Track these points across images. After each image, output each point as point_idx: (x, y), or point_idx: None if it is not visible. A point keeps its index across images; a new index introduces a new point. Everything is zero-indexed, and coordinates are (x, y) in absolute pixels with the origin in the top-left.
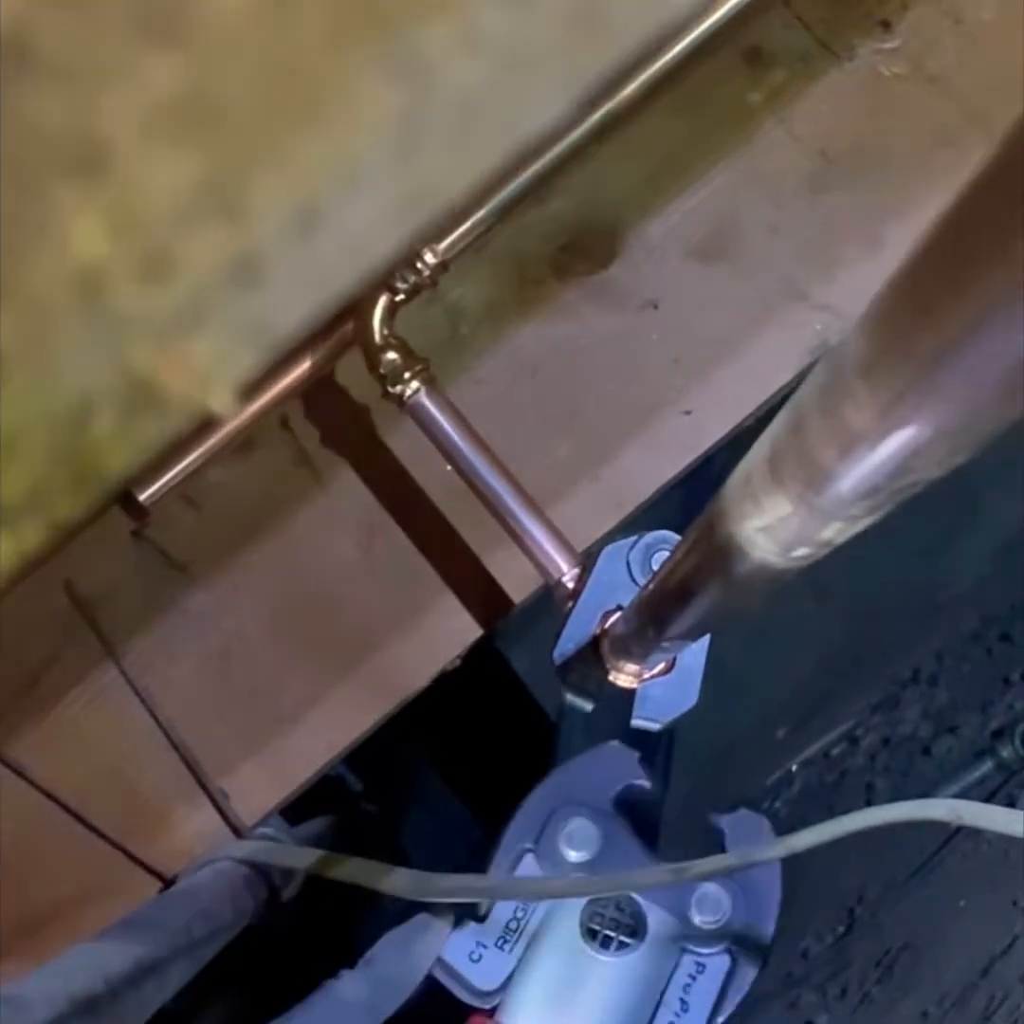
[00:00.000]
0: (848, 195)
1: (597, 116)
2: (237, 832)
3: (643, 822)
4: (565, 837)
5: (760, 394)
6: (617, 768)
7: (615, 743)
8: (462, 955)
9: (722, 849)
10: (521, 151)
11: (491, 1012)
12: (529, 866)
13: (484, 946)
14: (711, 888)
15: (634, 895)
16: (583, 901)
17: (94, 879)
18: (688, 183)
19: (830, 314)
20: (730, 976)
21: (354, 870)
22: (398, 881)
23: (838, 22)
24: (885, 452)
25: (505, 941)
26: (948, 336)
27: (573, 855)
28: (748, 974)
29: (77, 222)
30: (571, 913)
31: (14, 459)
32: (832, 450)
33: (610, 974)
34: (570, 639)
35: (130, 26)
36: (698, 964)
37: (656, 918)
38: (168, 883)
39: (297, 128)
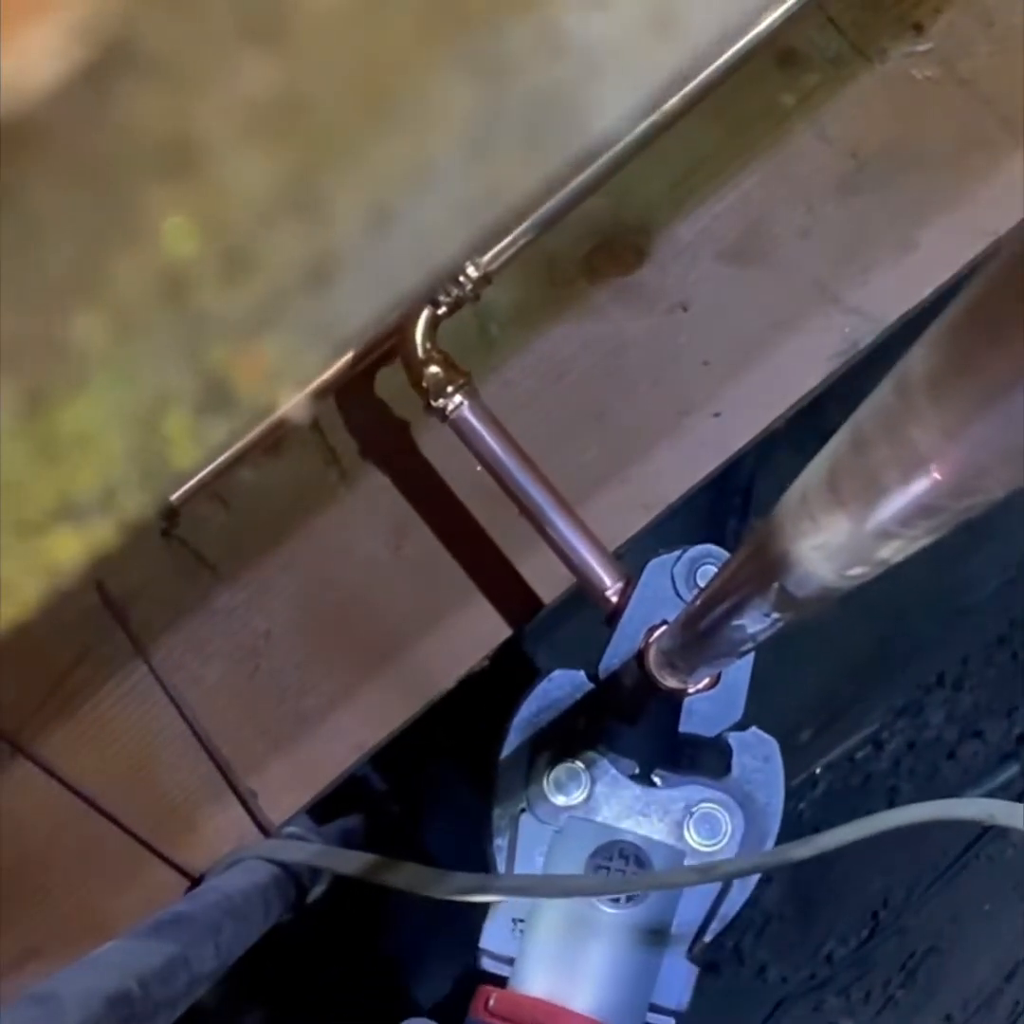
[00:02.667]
0: (879, 198)
1: (641, 129)
2: (265, 831)
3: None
4: (552, 785)
5: (789, 396)
6: (569, 690)
7: (558, 671)
8: (503, 937)
9: (728, 767)
10: (587, 152)
11: (503, 981)
12: (529, 826)
13: (521, 919)
14: (709, 810)
15: (633, 838)
16: (585, 856)
17: (123, 877)
18: (719, 185)
19: (860, 317)
20: (721, 897)
21: (390, 873)
22: (423, 880)
23: (870, 25)
24: (950, 473)
25: None
26: (1020, 359)
27: (562, 800)
28: (742, 891)
29: (167, 222)
30: (575, 869)
31: (90, 457)
32: (895, 470)
33: (618, 927)
34: (615, 654)
35: (231, 27)
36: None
37: (661, 857)
38: (196, 881)
39: (378, 128)
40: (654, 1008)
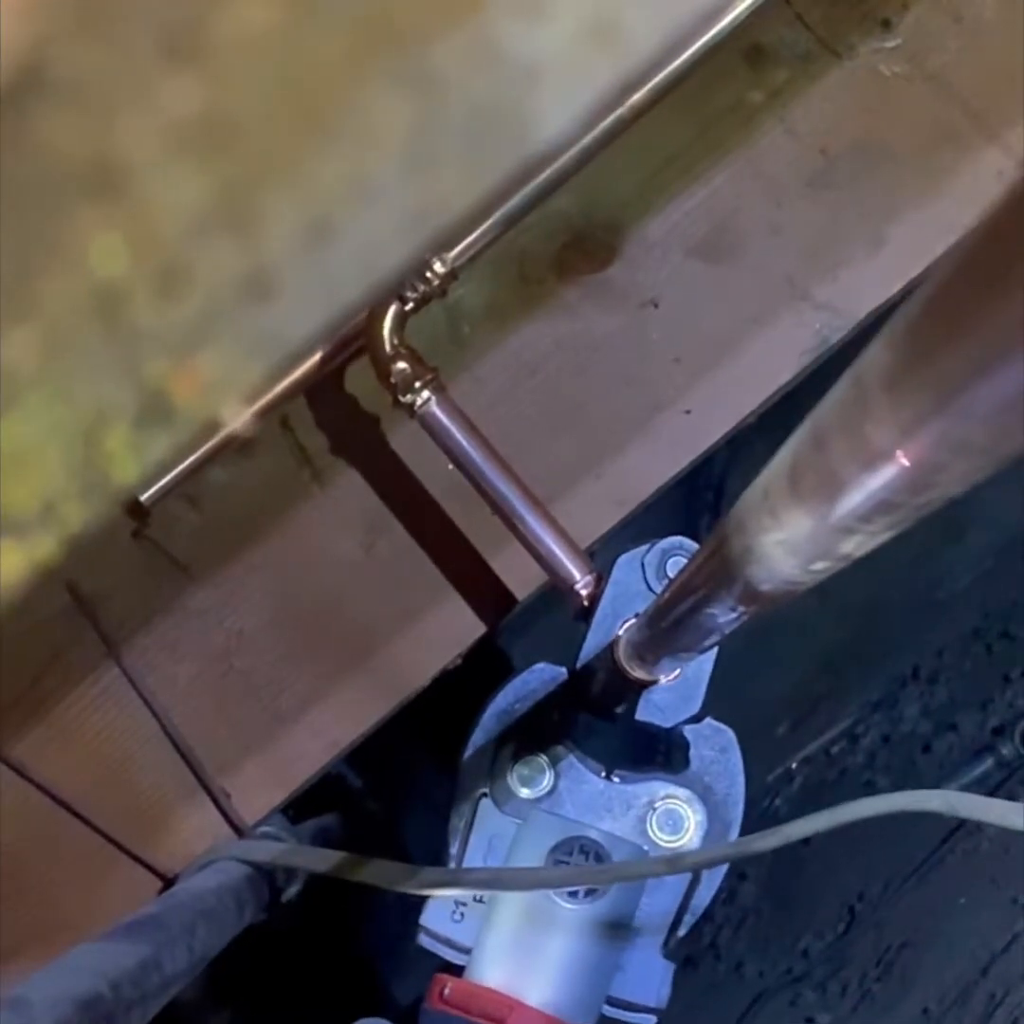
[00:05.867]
0: (848, 194)
1: (606, 123)
2: (238, 831)
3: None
4: (516, 778)
5: (760, 393)
6: (546, 683)
7: (541, 664)
8: (443, 918)
9: (686, 761)
10: (532, 160)
11: (459, 970)
12: (487, 812)
13: (463, 904)
14: (671, 805)
15: (595, 834)
16: (546, 850)
17: (96, 879)
18: (689, 182)
19: (830, 313)
20: (690, 890)
21: (359, 869)
22: (393, 875)
23: (839, 21)
24: (906, 469)
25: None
26: (976, 356)
27: (526, 793)
28: (711, 884)
29: (95, 241)
30: (534, 863)
31: (28, 472)
32: (853, 466)
33: (577, 922)
34: (590, 651)
35: (150, 49)
36: (657, 881)
37: (622, 853)
38: (169, 882)
39: (311, 144)
40: (633, 1007)
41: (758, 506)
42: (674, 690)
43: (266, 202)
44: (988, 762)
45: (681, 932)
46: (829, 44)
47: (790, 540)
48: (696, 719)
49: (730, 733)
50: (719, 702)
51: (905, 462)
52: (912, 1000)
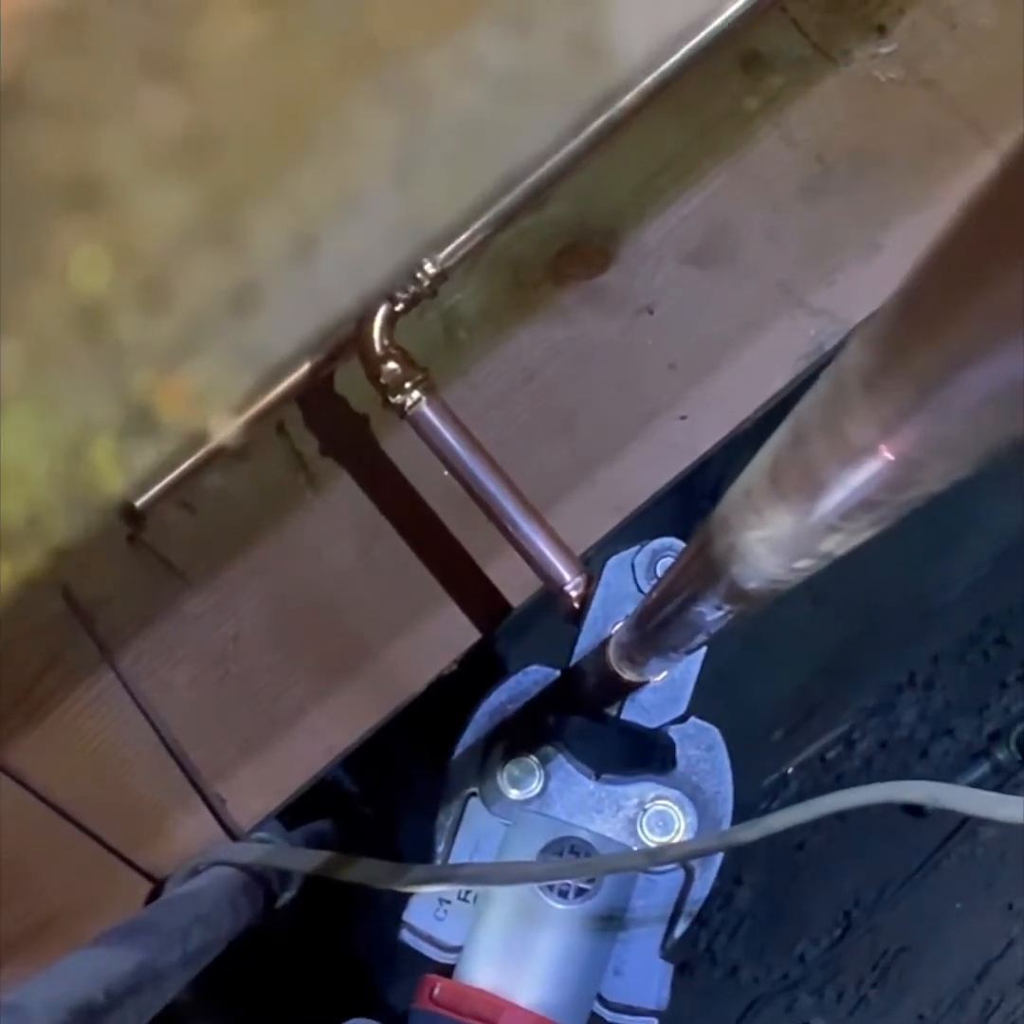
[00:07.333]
0: (844, 200)
1: (596, 125)
2: (233, 836)
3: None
4: (506, 778)
5: (756, 399)
6: (538, 684)
7: (534, 666)
8: (427, 915)
9: (674, 761)
10: (518, 170)
11: (448, 970)
12: (475, 811)
13: (447, 901)
14: (661, 807)
15: (585, 835)
16: (536, 851)
17: (91, 884)
18: (685, 188)
19: (826, 319)
20: (685, 890)
21: (347, 869)
22: (381, 873)
23: (834, 27)
24: (887, 467)
25: (467, 892)
26: (954, 353)
27: (515, 794)
28: (705, 883)
29: (78, 254)
30: None
31: (14, 486)
32: (833, 464)
33: (567, 922)
34: (581, 653)
35: (132, 65)
36: (650, 882)
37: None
38: (158, 884)
39: (296, 158)
40: (634, 1010)
41: (741, 504)
42: (660, 691)
43: (251, 215)
44: (985, 767)
45: (677, 933)
46: (825, 50)
47: (773, 538)
48: (681, 719)
49: (715, 731)
50: (715, 707)
51: (885, 459)
52: (908, 1005)
